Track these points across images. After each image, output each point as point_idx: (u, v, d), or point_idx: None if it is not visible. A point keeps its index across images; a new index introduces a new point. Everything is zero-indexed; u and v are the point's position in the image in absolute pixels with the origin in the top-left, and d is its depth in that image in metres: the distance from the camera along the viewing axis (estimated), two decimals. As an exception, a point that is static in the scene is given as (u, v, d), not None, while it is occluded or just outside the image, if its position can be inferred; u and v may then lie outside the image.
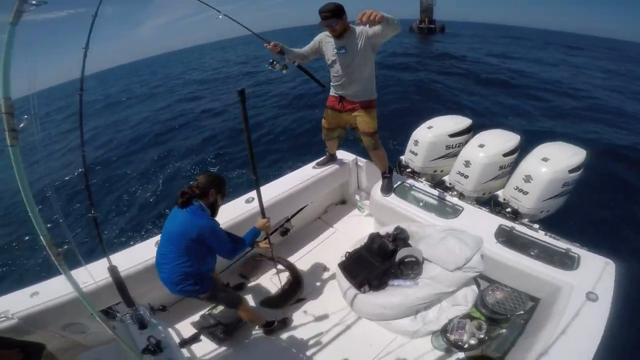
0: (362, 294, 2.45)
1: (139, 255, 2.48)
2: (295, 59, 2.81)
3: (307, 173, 3.40)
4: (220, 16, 2.77)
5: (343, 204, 3.94)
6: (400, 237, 2.61)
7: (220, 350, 2.47)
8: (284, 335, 2.55)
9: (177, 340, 2.37)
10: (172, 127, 11.84)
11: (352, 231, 3.42)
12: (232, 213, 2.88)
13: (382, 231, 2.74)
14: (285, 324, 2.60)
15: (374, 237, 2.65)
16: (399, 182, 3.11)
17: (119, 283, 1.92)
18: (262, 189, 3.16)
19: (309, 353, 2.39)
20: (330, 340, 2.46)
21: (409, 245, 2.59)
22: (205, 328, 2.42)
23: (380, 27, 2.29)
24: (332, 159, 3.51)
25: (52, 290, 2.32)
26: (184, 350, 2.34)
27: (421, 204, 2.87)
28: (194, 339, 2.44)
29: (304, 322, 2.62)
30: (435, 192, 3.00)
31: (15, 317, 2.19)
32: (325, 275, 3.02)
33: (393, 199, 2.94)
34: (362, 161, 3.58)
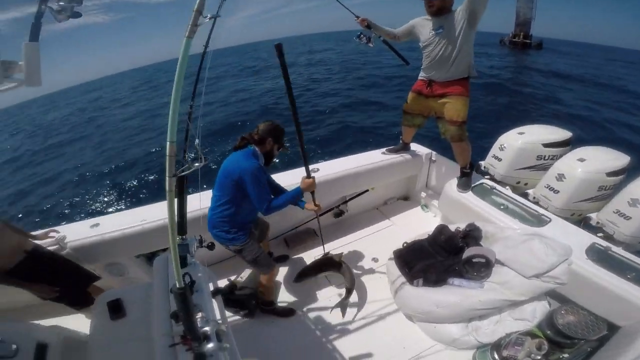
0: (412, 287, 2.26)
1: None
2: (383, 35, 2.81)
3: (374, 157, 3.27)
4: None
5: (405, 200, 3.73)
6: (471, 235, 2.38)
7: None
8: (312, 316, 2.44)
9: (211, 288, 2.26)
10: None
11: (411, 228, 3.17)
12: (290, 181, 2.84)
13: (452, 227, 2.53)
14: (287, 314, 2.42)
15: (441, 229, 2.45)
16: (479, 181, 2.86)
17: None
18: (324, 164, 3.19)
19: (334, 341, 2.24)
20: (359, 333, 2.29)
21: (480, 245, 2.36)
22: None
23: None
24: (405, 148, 3.35)
25: (112, 225, 2.44)
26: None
27: (502, 207, 2.61)
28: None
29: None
30: (519, 198, 2.71)
31: (68, 247, 2.32)
32: (372, 265, 2.85)
33: (470, 196, 2.70)
34: (437, 157, 3.36)
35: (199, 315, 1.30)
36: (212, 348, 1.10)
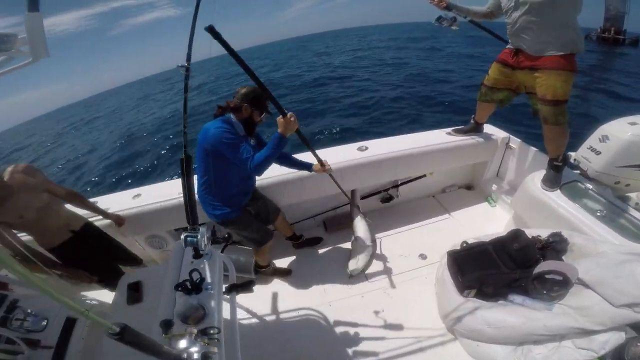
0: (461, 297, 1.90)
1: None
2: (469, 15, 2.37)
3: (436, 137, 2.80)
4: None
5: (469, 189, 3.23)
6: (555, 247, 1.90)
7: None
8: (333, 310, 2.22)
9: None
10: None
11: (472, 225, 2.75)
12: (338, 158, 2.56)
13: (529, 233, 2.06)
14: (284, 274, 2.52)
15: (516, 234, 2.00)
16: (570, 179, 2.27)
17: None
18: (374, 142, 2.80)
19: (357, 345, 2.01)
20: (389, 337, 2.02)
21: (560, 259, 1.89)
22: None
23: None
24: (477, 129, 2.81)
25: (152, 196, 2.38)
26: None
27: (598, 214, 2.04)
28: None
29: (367, 307, 2.21)
30: (623, 205, 2.11)
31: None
32: (418, 262, 2.49)
33: (558, 196, 2.15)
34: (516, 142, 2.76)
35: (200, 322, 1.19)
36: None
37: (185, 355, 0.96)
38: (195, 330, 1.06)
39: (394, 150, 2.63)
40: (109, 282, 2.15)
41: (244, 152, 1.75)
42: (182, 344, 1.01)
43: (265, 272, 2.48)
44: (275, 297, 2.40)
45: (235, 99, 1.85)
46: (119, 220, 2.26)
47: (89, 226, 2.13)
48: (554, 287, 1.72)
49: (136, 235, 2.49)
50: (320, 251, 2.72)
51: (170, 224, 2.50)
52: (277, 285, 2.49)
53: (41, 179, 1.89)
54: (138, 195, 2.46)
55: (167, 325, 1.08)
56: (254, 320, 2.26)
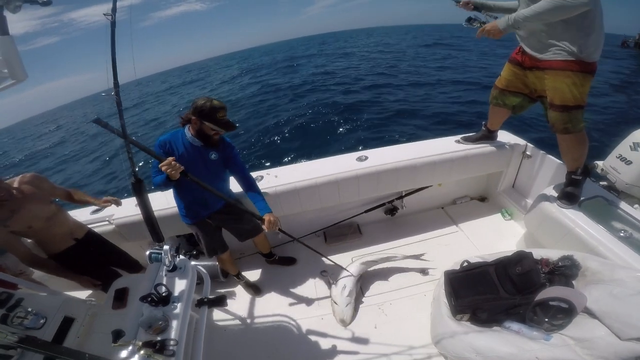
0: (453, 321, 1.76)
1: None
2: (500, 12, 2.16)
3: (445, 146, 2.62)
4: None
5: (482, 201, 3.01)
6: (564, 272, 1.71)
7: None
8: (324, 324, 2.17)
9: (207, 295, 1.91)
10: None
11: (483, 240, 2.56)
12: (336, 169, 2.50)
13: (537, 254, 1.87)
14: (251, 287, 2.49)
15: (522, 257, 1.81)
16: (593, 194, 2.03)
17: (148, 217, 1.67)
18: (375, 151, 2.70)
19: (346, 357, 1.96)
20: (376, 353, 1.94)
21: (570, 285, 1.69)
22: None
23: None
24: (490, 136, 2.59)
25: (156, 204, 2.28)
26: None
27: (622, 235, 1.80)
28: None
29: (360, 322, 2.14)
30: None
31: (114, 224, 2.42)
32: (417, 279, 2.36)
33: (575, 214, 1.92)
34: (534, 151, 2.52)
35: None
36: None
37: None
38: (139, 343, 1.10)
39: (394, 161, 2.50)
40: (107, 287, 2.25)
41: (153, 167, 1.78)
42: (123, 354, 1.06)
43: (237, 280, 2.54)
44: (266, 307, 2.39)
45: (187, 112, 1.86)
46: (114, 203, 2.30)
47: (91, 234, 2.23)
48: (557, 315, 1.53)
49: (140, 240, 2.59)
50: (320, 264, 2.63)
51: (171, 231, 2.55)
52: (270, 295, 2.47)
53: (47, 186, 1.98)
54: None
55: (117, 334, 1.12)
56: (242, 327, 2.28)
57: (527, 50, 1.91)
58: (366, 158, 2.57)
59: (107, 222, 2.46)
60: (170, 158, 1.63)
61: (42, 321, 1.63)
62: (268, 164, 6.82)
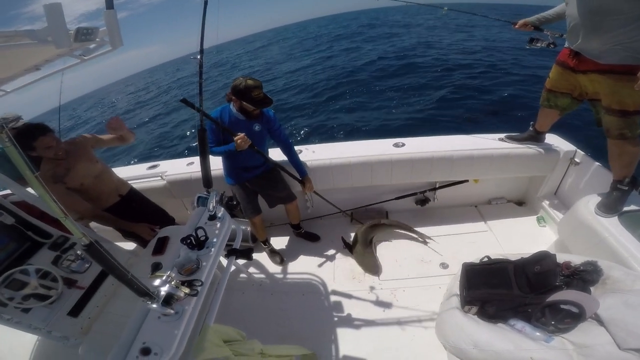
0: (460, 313, 1.80)
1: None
2: (559, 19, 2.13)
3: (486, 142, 2.60)
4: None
5: (519, 205, 2.93)
6: (583, 277, 1.69)
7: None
8: (336, 298, 2.31)
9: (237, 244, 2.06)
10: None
11: (511, 242, 2.52)
12: (371, 151, 2.61)
13: (561, 258, 1.85)
14: (275, 254, 2.70)
15: (543, 257, 1.81)
16: (636, 208, 1.93)
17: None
18: (415, 139, 2.77)
19: (350, 332, 2.10)
20: (382, 337, 2.05)
21: (587, 291, 1.67)
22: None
23: None
24: (537, 138, 2.52)
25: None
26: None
27: None
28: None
29: (371, 303, 2.25)
30: None
31: (166, 180, 2.71)
32: (437, 270, 2.40)
33: (612, 224, 1.85)
34: (583, 157, 2.42)
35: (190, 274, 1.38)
36: (154, 308, 1.14)
37: (152, 290, 1.14)
38: (175, 278, 1.23)
39: (431, 150, 2.55)
40: (146, 243, 2.43)
41: (210, 137, 2.16)
42: (157, 282, 1.19)
43: (263, 247, 2.78)
44: (285, 278, 2.56)
45: (229, 92, 2.13)
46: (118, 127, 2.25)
47: (133, 191, 2.44)
48: (565, 319, 1.53)
49: (185, 198, 2.93)
50: (341, 245, 2.77)
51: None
52: (290, 266, 2.66)
53: (93, 143, 2.18)
54: (191, 163, 2.84)
55: (155, 267, 1.33)
56: (259, 293, 2.45)
57: (585, 53, 1.84)
58: (403, 145, 2.64)
59: (159, 178, 2.77)
60: (242, 134, 2.07)
61: (86, 265, 1.88)
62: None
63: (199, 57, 1.90)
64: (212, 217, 1.77)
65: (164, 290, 1.17)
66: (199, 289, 1.31)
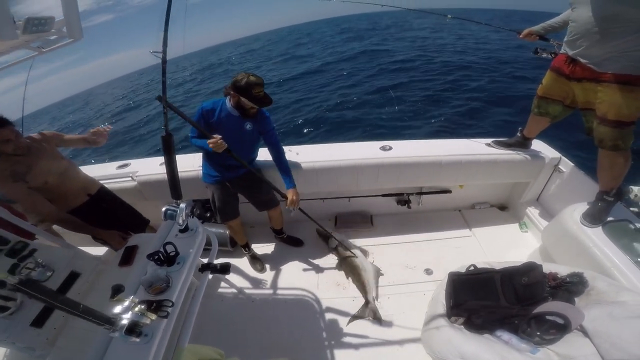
0: (445, 322, 1.79)
1: None
2: (564, 28, 2.05)
3: (473, 148, 2.59)
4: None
5: (501, 209, 2.96)
6: (569, 288, 1.70)
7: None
8: (321, 307, 2.24)
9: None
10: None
11: (494, 248, 2.54)
12: (358, 154, 2.54)
13: (547, 268, 1.86)
14: (255, 259, 2.62)
15: (531, 268, 1.80)
16: (619, 218, 1.96)
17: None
18: (402, 142, 2.71)
19: (334, 341, 2.04)
20: (368, 345, 2.01)
21: (572, 302, 1.69)
22: None
23: None
24: (523, 144, 2.52)
25: (183, 165, 2.38)
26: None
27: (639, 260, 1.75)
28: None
29: (355, 310, 2.19)
30: None
31: (137, 181, 2.54)
32: (422, 277, 2.38)
33: (596, 234, 1.88)
34: (567, 165, 2.44)
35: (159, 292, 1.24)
36: (116, 337, 1.02)
37: (112, 318, 1.01)
38: (136, 300, 1.08)
39: (419, 155, 2.51)
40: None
41: (193, 129, 2.00)
42: (117, 309, 1.04)
43: (244, 252, 2.67)
44: (266, 283, 2.48)
45: (228, 86, 1.99)
46: (100, 135, 2.18)
47: (103, 190, 2.28)
48: (550, 330, 1.54)
49: (158, 200, 2.75)
50: (325, 250, 2.71)
51: (189, 194, 2.65)
52: (272, 272, 2.57)
53: (57, 140, 2.03)
54: (163, 163, 2.70)
55: (116, 290, 1.13)
56: (238, 300, 2.36)
57: (583, 60, 1.82)
58: (390, 148, 2.59)
59: (130, 179, 2.60)
60: (218, 136, 1.86)
61: (48, 274, 1.73)
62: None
63: (160, 51, 1.54)
64: (184, 230, 1.62)
65: (126, 318, 1.03)
66: (169, 310, 1.18)
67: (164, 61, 1.44)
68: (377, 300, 2.23)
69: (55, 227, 2.28)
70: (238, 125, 2.07)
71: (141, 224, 2.45)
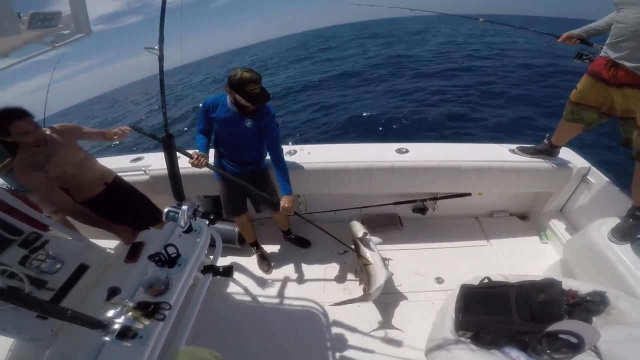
0: (453, 337, 1.71)
1: None
2: (605, 32, 1.92)
3: (495, 153, 2.46)
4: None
5: (522, 219, 2.82)
6: (588, 307, 1.60)
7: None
8: (325, 312, 2.20)
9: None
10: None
11: (511, 260, 2.43)
12: (372, 156, 2.46)
13: (567, 284, 1.75)
14: (263, 257, 2.61)
15: (549, 285, 1.70)
16: None
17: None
18: (420, 145, 2.61)
19: (337, 348, 2.00)
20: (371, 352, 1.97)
21: (589, 321, 1.58)
22: None
23: None
24: (550, 152, 2.38)
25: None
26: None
27: None
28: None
29: (360, 317, 2.15)
30: None
31: (149, 175, 2.56)
32: (432, 285, 2.31)
33: (624, 251, 1.75)
34: (596, 176, 2.29)
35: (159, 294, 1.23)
36: (107, 341, 1.02)
37: (104, 321, 1.00)
38: (130, 304, 1.07)
39: (437, 159, 2.40)
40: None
41: (199, 123, 2.10)
42: (110, 313, 1.04)
43: (253, 251, 2.66)
44: (272, 284, 2.47)
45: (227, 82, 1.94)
46: (120, 133, 2.21)
47: (118, 179, 2.31)
48: (562, 348, 1.45)
49: (169, 195, 2.76)
50: (333, 250, 2.67)
51: (200, 190, 2.70)
52: (278, 272, 2.56)
53: (76, 133, 2.08)
54: (179, 157, 2.72)
55: (112, 292, 1.13)
56: (242, 300, 2.36)
57: (628, 64, 1.69)
58: (407, 151, 2.50)
59: (142, 172, 2.63)
60: (197, 153, 1.97)
61: (58, 266, 1.77)
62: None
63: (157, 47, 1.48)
64: (187, 230, 1.59)
65: (118, 322, 1.02)
66: (167, 313, 1.15)
67: (161, 59, 1.41)
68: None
69: (69, 218, 2.35)
70: (238, 122, 2.02)
71: (156, 213, 2.45)
